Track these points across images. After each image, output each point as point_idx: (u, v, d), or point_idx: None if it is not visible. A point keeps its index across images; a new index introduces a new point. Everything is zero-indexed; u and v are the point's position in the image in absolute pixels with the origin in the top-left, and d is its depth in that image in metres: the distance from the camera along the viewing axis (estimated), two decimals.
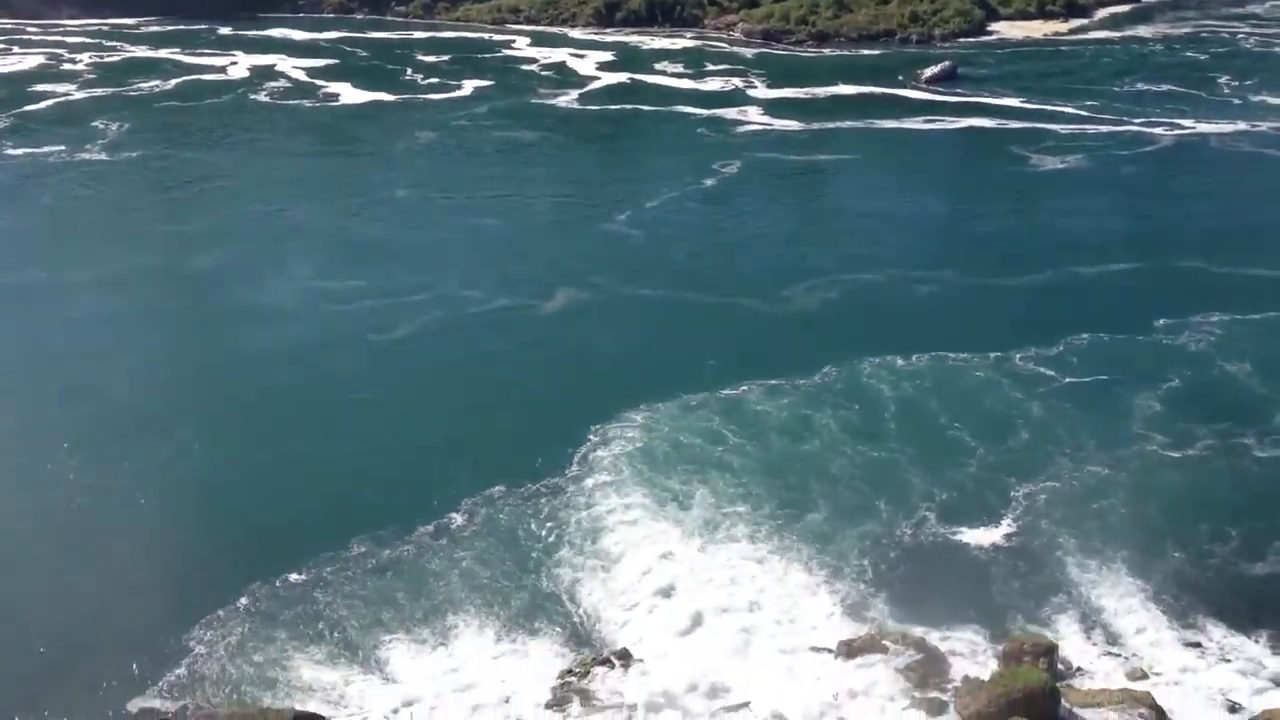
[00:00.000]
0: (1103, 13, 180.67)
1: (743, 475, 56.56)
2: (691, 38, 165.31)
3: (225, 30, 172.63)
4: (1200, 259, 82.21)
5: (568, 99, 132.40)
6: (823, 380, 64.91)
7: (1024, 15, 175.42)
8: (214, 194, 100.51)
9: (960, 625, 47.06)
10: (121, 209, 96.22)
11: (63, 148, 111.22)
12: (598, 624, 47.74)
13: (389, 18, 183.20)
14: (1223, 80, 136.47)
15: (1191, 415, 61.37)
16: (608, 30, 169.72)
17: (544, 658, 45.77)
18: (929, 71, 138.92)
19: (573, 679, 44.55)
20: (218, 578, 49.35)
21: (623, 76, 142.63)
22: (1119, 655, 45.67)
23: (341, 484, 56.47)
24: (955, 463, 57.77)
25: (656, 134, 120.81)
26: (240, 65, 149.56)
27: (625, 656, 45.46)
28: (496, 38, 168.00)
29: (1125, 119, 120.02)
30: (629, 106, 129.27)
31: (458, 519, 53.52)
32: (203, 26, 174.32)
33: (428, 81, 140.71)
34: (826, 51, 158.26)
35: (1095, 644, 46.41)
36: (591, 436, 59.76)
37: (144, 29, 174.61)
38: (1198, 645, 46.10)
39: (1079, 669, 45.05)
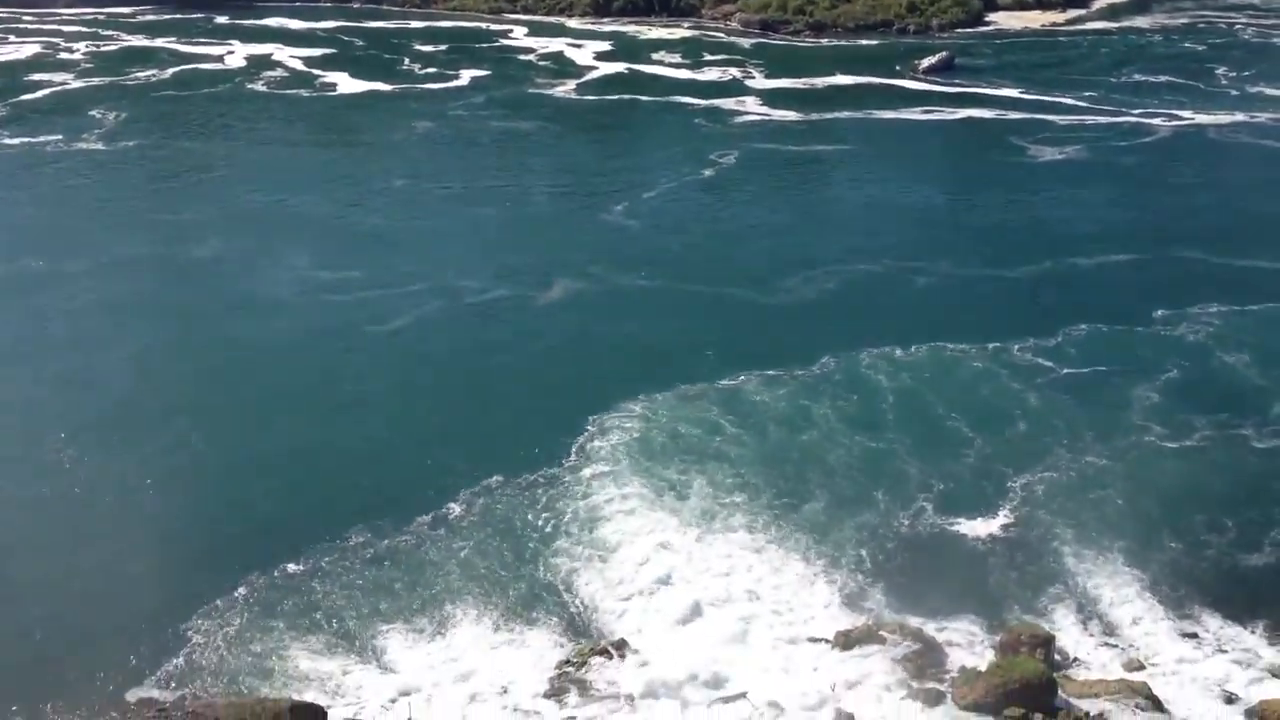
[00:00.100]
0: (1100, 3, 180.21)
1: (740, 465, 56.58)
2: (689, 28, 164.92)
3: (222, 19, 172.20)
4: (1199, 250, 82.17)
5: (565, 89, 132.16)
6: (821, 371, 64.93)
7: (1022, 6, 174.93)
8: (211, 183, 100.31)
9: (957, 616, 47.13)
10: (118, 198, 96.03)
11: (60, 137, 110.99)
12: (595, 614, 47.78)
13: (386, 6, 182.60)
14: (1220, 71, 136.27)
15: (1189, 406, 61.39)
16: (604, 20, 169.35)
17: (542, 648, 45.81)
18: (926, 62, 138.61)
19: (570, 669, 44.61)
20: (215, 568, 49.38)
21: (620, 66, 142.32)
22: (1116, 646, 45.77)
23: (339, 474, 56.49)
24: (953, 453, 57.80)
25: (654, 124, 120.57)
26: (237, 54, 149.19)
27: (623, 647, 45.51)
28: (493, 27, 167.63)
29: (1123, 110, 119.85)
30: (626, 97, 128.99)
31: (455, 509, 53.53)
32: (199, 15, 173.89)
33: (425, 71, 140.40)
34: (824, 42, 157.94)
35: (1092, 634, 46.51)
36: (589, 426, 59.76)
37: (140, 17, 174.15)
38: (1194, 636, 46.19)
39: (1076, 659, 45.16)
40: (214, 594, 48.00)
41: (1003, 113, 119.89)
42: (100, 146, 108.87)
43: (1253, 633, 46.27)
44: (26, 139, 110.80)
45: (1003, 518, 53.20)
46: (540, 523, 52.83)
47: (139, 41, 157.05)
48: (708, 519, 52.81)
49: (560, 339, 70.30)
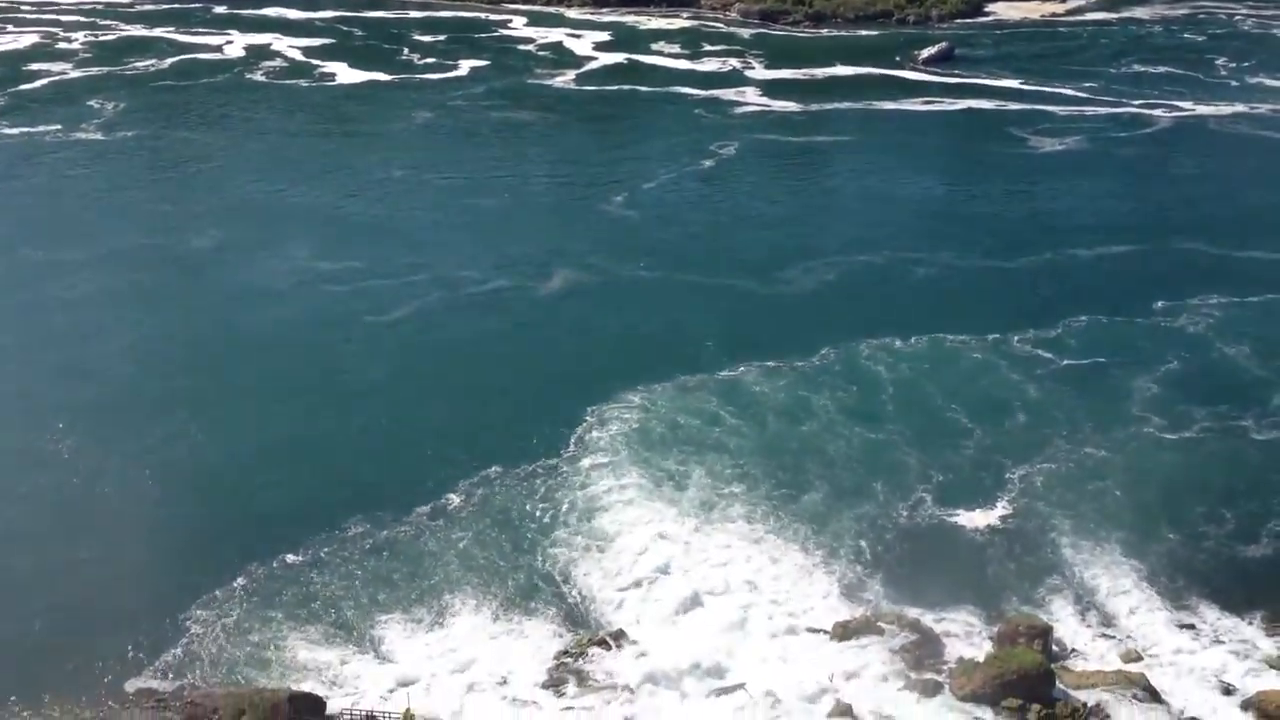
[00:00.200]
0: None
1: (739, 456, 56.63)
2: (688, 18, 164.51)
3: (220, 9, 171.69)
4: (1199, 241, 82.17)
5: (564, 79, 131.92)
6: (821, 362, 64.94)
7: None
8: (210, 174, 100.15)
9: (955, 607, 47.24)
10: (117, 188, 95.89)
11: (58, 127, 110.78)
12: (594, 604, 47.86)
13: None
14: (1220, 62, 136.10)
15: (1189, 397, 61.45)
16: (604, 10, 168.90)
17: (540, 638, 45.89)
18: (926, 52, 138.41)
19: (569, 659, 44.68)
20: (214, 558, 49.44)
21: (619, 57, 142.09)
22: (1113, 637, 45.84)
23: (338, 464, 56.51)
24: (952, 444, 57.85)
25: (654, 115, 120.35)
26: (236, 44, 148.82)
27: (621, 637, 45.57)
28: (493, 17, 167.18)
29: (1123, 100, 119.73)
30: (626, 87, 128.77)
31: (454, 499, 53.59)
32: (197, 5, 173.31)
33: (424, 61, 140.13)
34: (824, 32, 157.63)
35: (1090, 626, 46.58)
36: (588, 417, 59.79)
37: (139, 7, 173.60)
38: (1192, 627, 46.28)
39: (1073, 650, 45.24)
40: (213, 584, 48.09)
41: (1002, 103, 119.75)
42: (99, 136, 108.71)
43: (1250, 624, 46.38)
44: (25, 129, 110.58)
45: (1001, 509, 53.26)
46: (539, 513, 52.89)
47: (137, 31, 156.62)
48: (706, 509, 52.89)
49: (560, 329, 70.28)
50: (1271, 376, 63.74)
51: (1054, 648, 44.68)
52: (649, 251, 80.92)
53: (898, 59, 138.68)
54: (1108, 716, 40.85)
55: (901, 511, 53.01)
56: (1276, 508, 53.16)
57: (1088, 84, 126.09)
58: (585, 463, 56.28)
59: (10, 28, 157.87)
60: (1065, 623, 46.49)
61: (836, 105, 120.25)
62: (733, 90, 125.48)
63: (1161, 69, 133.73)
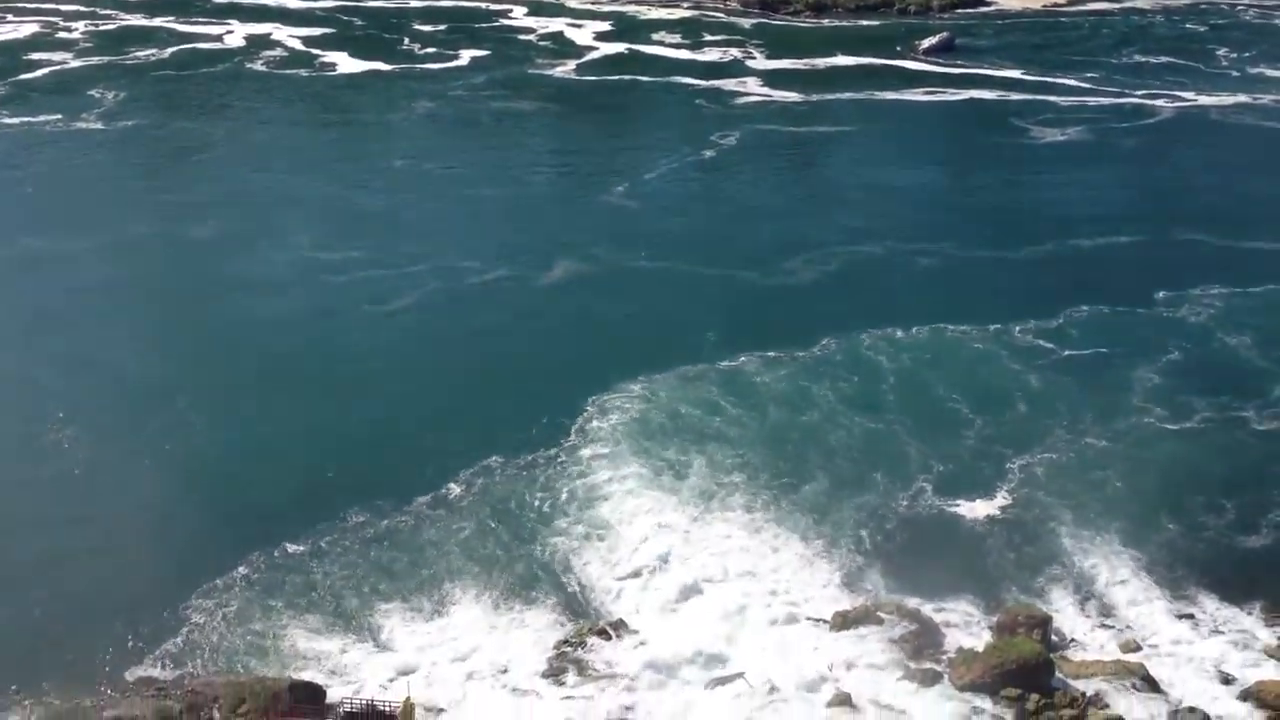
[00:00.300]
0: None
1: (740, 446, 56.64)
2: (688, 7, 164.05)
3: None
4: (1201, 231, 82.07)
5: (565, 69, 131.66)
6: (822, 352, 64.93)
7: None
8: (211, 163, 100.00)
9: (955, 597, 47.31)
10: (118, 178, 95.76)
11: (59, 116, 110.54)
12: (593, 594, 47.93)
13: None
14: (1222, 52, 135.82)
15: (1190, 388, 61.45)
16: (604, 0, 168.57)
17: (540, 628, 45.95)
18: (927, 42, 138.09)
19: (569, 649, 44.74)
20: (215, 547, 49.50)
21: (620, 47, 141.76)
22: (1113, 627, 45.91)
23: (339, 454, 56.48)
24: (953, 435, 57.87)
25: (654, 105, 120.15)
26: (236, 34, 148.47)
27: (621, 627, 45.64)
28: (493, 7, 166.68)
29: (1125, 91, 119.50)
30: (626, 77, 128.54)
31: (455, 489, 53.63)
32: None
33: (425, 51, 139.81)
34: (824, 22, 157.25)
35: (1089, 616, 46.65)
36: (589, 407, 59.81)
37: None
38: (1191, 617, 46.34)
39: (1073, 640, 45.31)
40: (213, 573, 48.13)
41: (1004, 94, 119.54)
42: (99, 126, 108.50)
43: (1249, 614, 46.44)
44: (26, 119, 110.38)
45: (1001, 499, 53.30)
46: (539, 503, 52.94)
47: (137, 20, 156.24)
48: (707, 499, 52.93)
49: (560, 320, 70.24)
50: (1273, 367, 63.72)
51: (1053, 637, 44.78)
52: (650, 241, 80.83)
53: (899, 49, 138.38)
54: (1106, 706, 40.90)
55: (902, 501, 53.05)
56: (1277, 498, 53.23)
57: (1089, 74, 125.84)
58: (586, 452, 56.30)
59: (10, 17, 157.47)
60: (1064, 613, 46.56)
61: (837, 95, 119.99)
62: (734, 80, 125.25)
63: (1163, 59, 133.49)
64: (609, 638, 45.01)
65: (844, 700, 41.41)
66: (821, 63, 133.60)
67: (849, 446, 56.78)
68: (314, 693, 41.58)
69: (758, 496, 53.01)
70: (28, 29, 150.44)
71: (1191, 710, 40.66)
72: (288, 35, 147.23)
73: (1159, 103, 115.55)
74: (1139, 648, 44.55)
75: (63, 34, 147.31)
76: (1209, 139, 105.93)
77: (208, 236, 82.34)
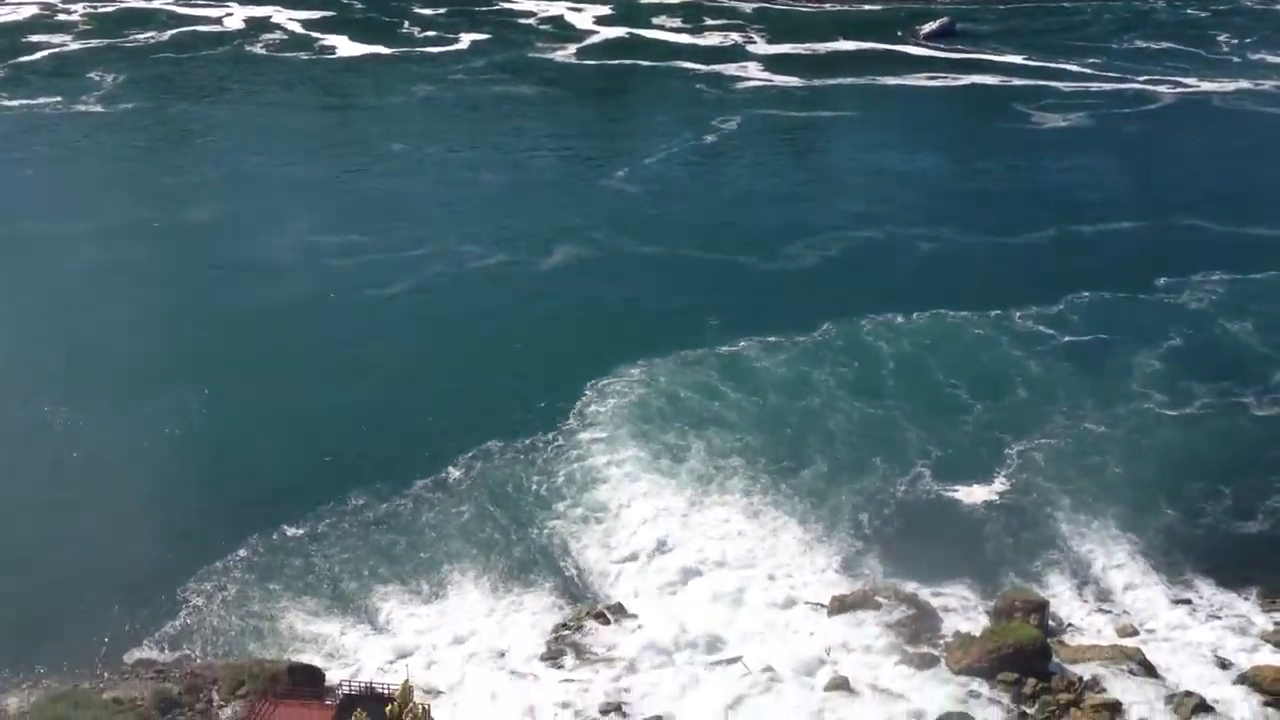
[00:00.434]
0: None
1: (739, 431, 56.66)
2: None
3: None
4: (1202, 218, 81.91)
5: (565, 53, 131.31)
6: (822, 337, 64.90)
7: None
8: (210, 146, 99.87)
9: (952, 581, 47.38)
10: (118, 161, 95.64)
11: (58, 99, 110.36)
12: (592, 578, 48.02)
13: None
14: (1223, 38, 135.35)
15: (1191, 374, 61.41)
16: None
17: (539, 611, 46.07)
18: (928, 27, 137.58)
19: (567, 632, 44.82)
20: (215, 531, 49.60)
21: (621, 31, 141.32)
22: (1110, 611, 45.97)
23: (339, 437, 56.53)
24: (952, 420, 57.87)
25: (655, 89, 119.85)
26: (236, 16, 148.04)
27: (619, 611, 45.70)
28: None
29: (1127, 77, 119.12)
30: (627, 61, 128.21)
31: (454, 473, 53.68)
32: None
33: (425, 35, 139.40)
34: (826, 6, 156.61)
35: (1086, 600, 46.71)
36: (588, 391, 59.84)
37: None
38: (1188, 602, 46.38)
39: (1070, 625, 45.38)
40: (212, 556, 48.24)
41: (1005, 79, 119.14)
42: (99, 109, 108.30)
43: (1246, 600, 46.50)
44: (25, 101, 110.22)
45: (1000, 484, 53.34)
46: (538, 486, 53.00)
47: (136, 3, 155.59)
48: (705, 483, 52.98)
49: (560, 304, 70.18)
50: (1274, 353, 63.66)
51: (1050, 622, 44.87)
52: (650, 226, 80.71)
53: (899, 34, 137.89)
54: (1103, 690, 40.96)
55: (900, 486, 53.10)
56: (1275, 484, 53.20)
57: (1091, 60, 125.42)
58: (584, 436, 56.34)
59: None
60: (1062, 597, 46.64)
61: (838, 80, 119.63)
62: (734, 65, 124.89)
63: (1164, 45, 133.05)
64: (607, 621, 45.08)
65: (841, 684, 41.52)
66: (822, 47, 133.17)
67: (848, 431, 56.78)
68: (313, 675, 41.74)
69: (756, 481, 53.04)
70: (27, 11, 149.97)
71: (1188, 694, 40.72)
72: (287, 18, 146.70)
73: (1160, 88, 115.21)
74: (1136, 632, 44.62)
75: (62, 16, 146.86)
76: (1210, 125, 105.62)
77: (207, 219, 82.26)
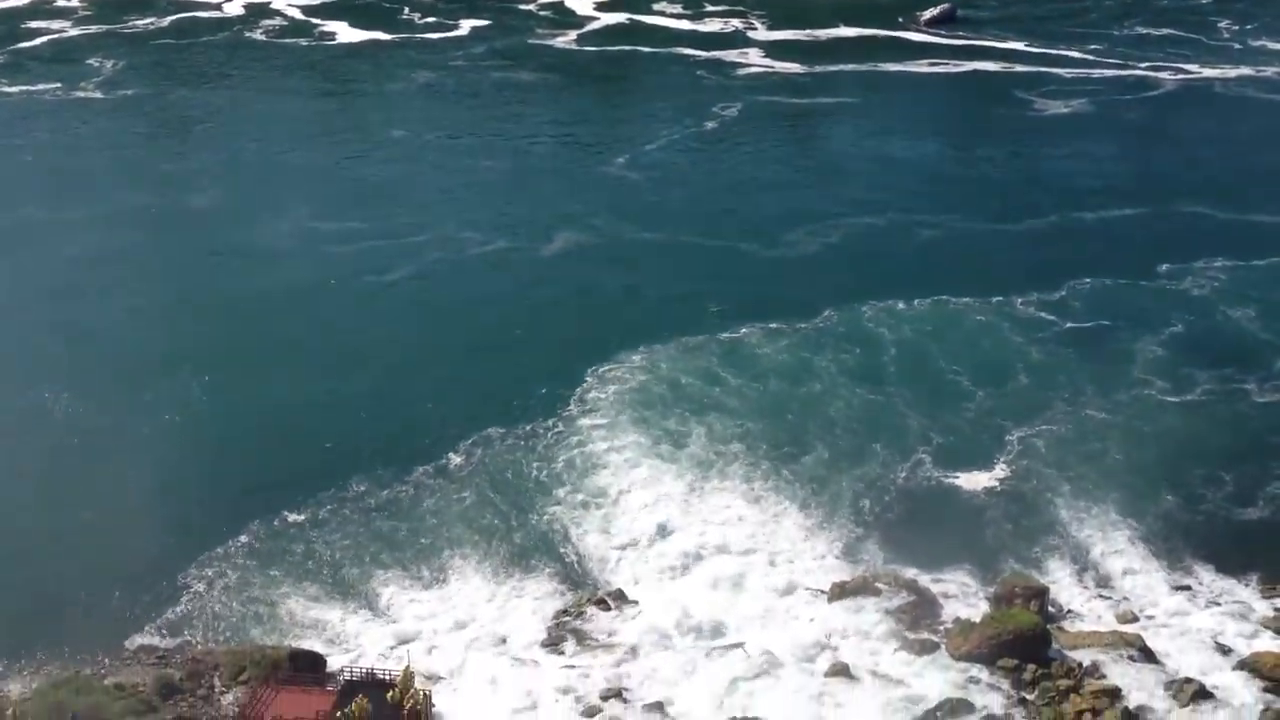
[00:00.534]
0: None
1: (740, 417, 56.64)
2: None
3: None
4: (1204, 204, 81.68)
5: (566, 39, 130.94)
6: (823, 323, 64.84)
7: None
8: (210, 133, 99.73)
9: (953, 567, 47.40)
10: (118, 147, 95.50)
11: (58, 85, 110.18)
12: (592, 564, 48.10)
13: None
14: (1224, 25, 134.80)
15: (1192, 360, 61.34)
16: None
17: (540, 597, 46.14)
18: (928, 13, 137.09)
19: (568, 619, 44.89)
20: (217, 517, 49.68)
21: (621, 17, 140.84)
22: (1109, 598, 45.98)
23: (340, 424, 56.56)
24: (953, 407, 57.85)
25: (656, 76, 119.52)
26: (235, 2, 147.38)
27: (620, 597, 45.77)
28: None
29: (1129, 63, 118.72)
30: (627, 48, 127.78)
31: (455, 459, 53.71)
32: None
33: (425, 20, 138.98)
34: None
35: (1086, 587, 46.72)
36: (588, 378, 59.84)
37: None
38: (1188, 589, 46.40)
39: (1070, 611, 45.38)
40: (214, 543, 48.32)
41: (1007, 65, 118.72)
42: (99, 95, 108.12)
43: (1246, 586, 46.52)
44: (25, 87, 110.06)
45: (1000, 470, 53.35)
46: (539, 473, 53.02)
47: None
48: (706, 469, 52.99)
49: (560, 290, 70.13)
50: (1275, 340, 63.55)
51: (1050, 608, 44.87)
52: (651, 213, 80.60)
53: (900, 20, 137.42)
54: (1103, 676, 40.98)
55: (900, 472, 53.10)
56: (1276, 471, 53.15)
57: (1092, 46, 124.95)
58: (585, 422, 56.36)
59: None
60: (1062, 584, 46.67)
61: (839, 67, 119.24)
62: (735, 51, 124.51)
63: (1166, 31, 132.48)
64: (608, 608, 45.15)
65: (841, 670, 41.57)
66: (823, 34, 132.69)
67: (849, 418, 56.76)
68: (314, 661, 41.82)
69: (757, 467, 53.05)
70: None
71: (1188, 681, 40.75)
72: (287, 4, 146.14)
73: (1162, 75, 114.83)
74: (1136, 619, 44.63)
75: (61, 2, 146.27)
76: (1212, 112, 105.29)
77: (207, 206, 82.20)
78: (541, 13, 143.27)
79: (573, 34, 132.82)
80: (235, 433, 55.81)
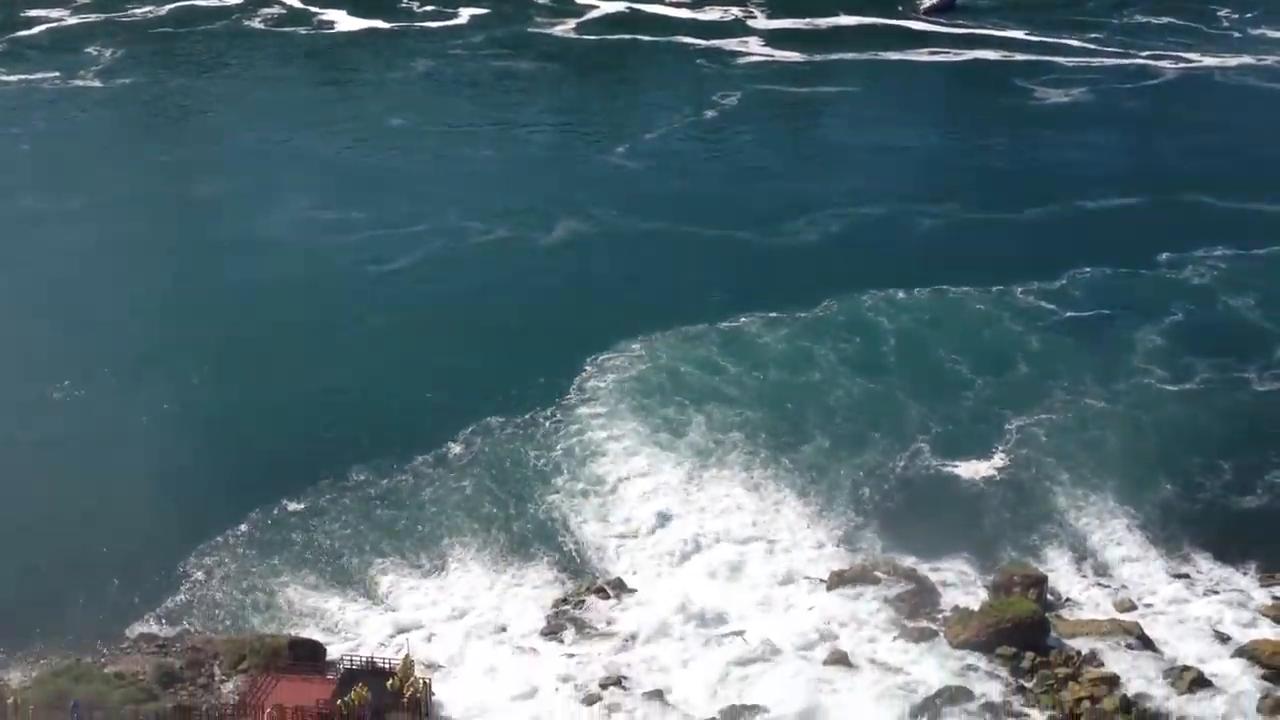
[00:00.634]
0: None
1: (739, 406, 56.66)
2: None
3: None
4: (1204, 193, 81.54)
5: (565, 28, 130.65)
6: (823, 312, 64.82)
7: None
8: (209, 122, 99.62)
9: (951, 556, 47.45)
10: (116, 137, 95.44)
11: (56, 74, 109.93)
12: (592, 553, 48.15)
13: None
14: (1224, 13, 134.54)
15: (1192, 349, 61.36)
16: None
17: (539, 586, 46.19)
18: (928, 2, 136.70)
19: (567, 607, 44.94)
20: (216, 506, 49.62)
21: (621, 5, 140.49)
22: (1108, 586, 46.06)
23: (340, 413, 56.59)
24: (952, 395, 57.88)
25: (655, 65, 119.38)
26: None
27: (619, 586, 45.83)
28: None
29: (1129, 52, 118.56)
30: (627, 36, 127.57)
31: (455, 448, 53.73)
32: None
33: (424, 9, 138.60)
34: None
35: (1085, 575, 46.80)
36: (588, 366, 59.85)
37: None
38: (1187, 577, 46.48)
39: (1068, 599, 45.46)
40: (214, 531, 48.32)
41: (1006, 54, 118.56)
42: (97, 84, 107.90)
43: (1245, 574, 46.58)
44: (23, 76, 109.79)
45: (999, 459, 53.40)
46: (538, 462, 53.06)
47: None
48: (705, 458, 53.01)
49: (560, 280, 70.10)
50: (1275, 328, 63.60)
51: (1049, 597, 44.94)
52: (651, 202, 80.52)
53: (900, 8, 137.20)
54: (1102, 665, 41.03)
55: (900, 461, 53.15)
56: (1274, 459, 53.21)
57: (1092, 34, 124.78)
58: (585, 411, 56.38)
59: None
60: (1060, 572, 46.72)
61: (839, 55, 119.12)
62: (735, 40, 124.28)
63: (1166, 20, 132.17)
64: (607, 596, 45.22)
65: (840, 659, 41.60)
66: (823, 22, 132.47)
67: (848, 406, 56.80)
68: (314, 650, 41.87)
69: (756, 455, 53.09)
70: None
71: (1186, 668, 40.81)
72: None
73: (1162, 64, 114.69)
74: (1134, 607, 44.70)
75: None
76: (1212, 100, 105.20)
77: (206, 195, 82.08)
78: (541, 2, 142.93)
79: (572, 22, 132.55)
80: (234, 422, 55.78)
